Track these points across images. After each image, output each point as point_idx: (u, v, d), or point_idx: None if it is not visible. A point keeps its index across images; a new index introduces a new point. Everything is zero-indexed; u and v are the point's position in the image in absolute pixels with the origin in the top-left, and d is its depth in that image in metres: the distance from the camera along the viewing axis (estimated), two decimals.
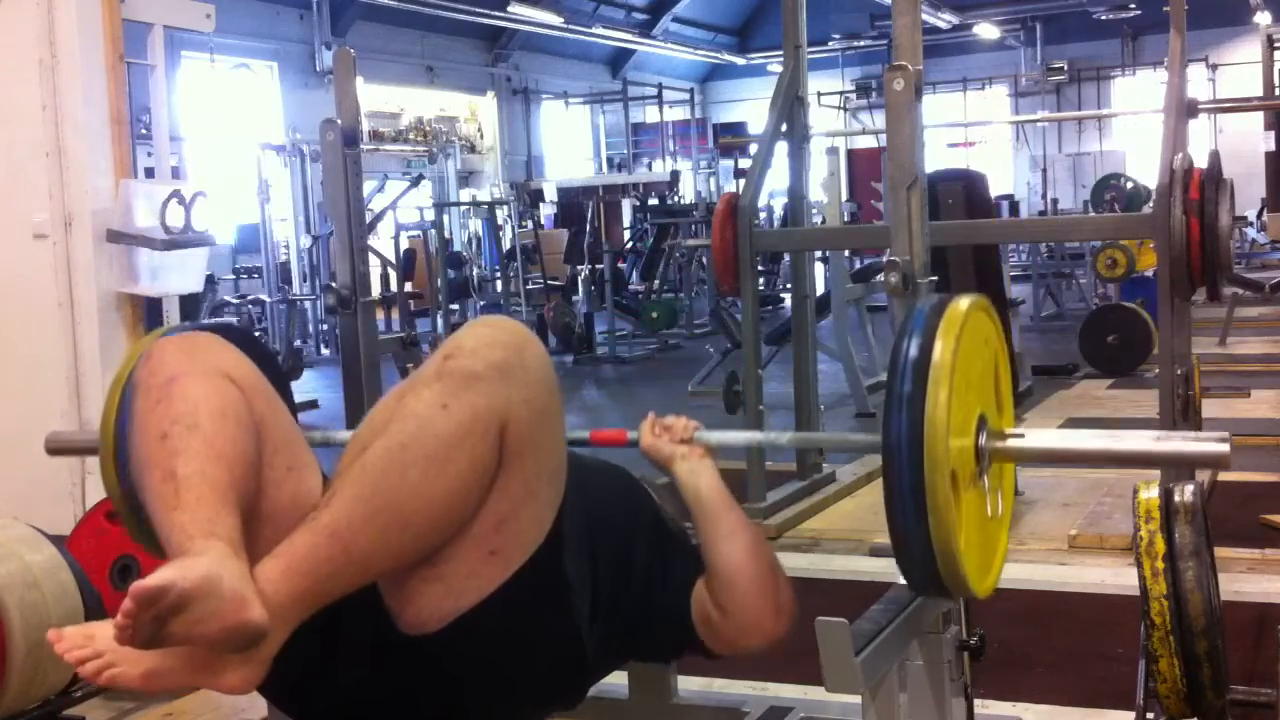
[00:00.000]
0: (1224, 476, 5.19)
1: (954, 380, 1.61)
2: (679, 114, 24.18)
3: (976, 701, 2.22)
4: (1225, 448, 1.66)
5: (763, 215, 15.71)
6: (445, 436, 1.55)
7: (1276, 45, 7.66)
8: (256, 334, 10.47)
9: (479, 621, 1.62)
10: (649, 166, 21.54)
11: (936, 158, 19.23)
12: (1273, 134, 7.35)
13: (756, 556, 1.91)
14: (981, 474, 1.73)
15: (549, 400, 1.65)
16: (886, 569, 3.14)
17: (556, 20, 19.75)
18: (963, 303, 1.70)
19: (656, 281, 14.04)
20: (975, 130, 21.98)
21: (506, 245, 13.70)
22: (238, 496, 1.53)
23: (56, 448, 2.32)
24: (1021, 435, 1.81)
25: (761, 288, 13.07)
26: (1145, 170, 14.64)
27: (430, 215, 12.73)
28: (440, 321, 11.39)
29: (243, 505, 1.54)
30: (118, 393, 1.91)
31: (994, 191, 10.00)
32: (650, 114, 23.62)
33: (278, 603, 1.45)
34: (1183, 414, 3.28)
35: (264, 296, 12.27)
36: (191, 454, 1.52)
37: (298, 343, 12.27)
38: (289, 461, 1.67)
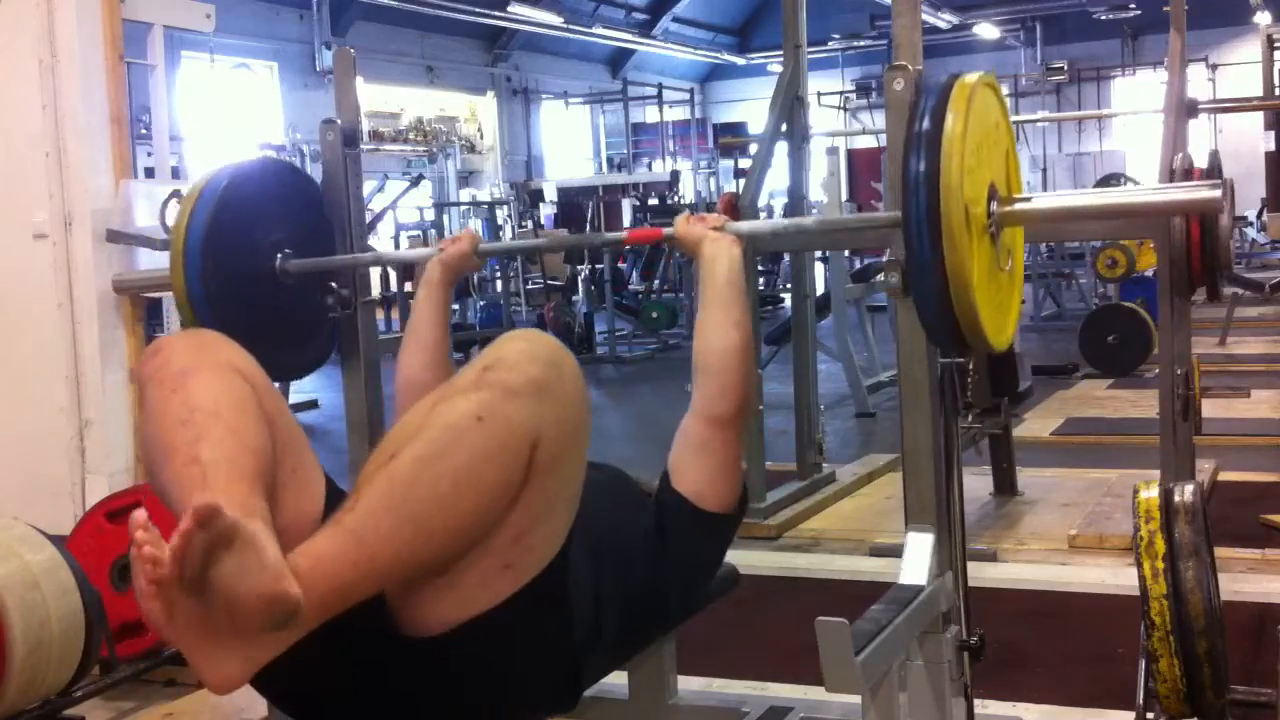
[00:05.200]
0: (1224, 476, 5.19)
1: (969, 122, 1.74)
2: (679, 114, 24.16)
3: (976, 701, 2.22)
4: (1217, 193, 1.82)
5: (763, 215, 15.70)
6: (478, 450, 1.51)
7: (1276, 45, 7.65)
8: None
9: (481, 629, 1.60)
10: (649, 166, 21.54)
11: None
12: (1273, 134, 7.34)
13: (744, 354, 2.05)
14: (992, 227, 1.85)
15: (581, 420, 1.63)
16: (886, 569, 3.13)
17: (556, 20, 19.77)
18: (970, 77, 1.84)
19: (656, 281, 14.05)
20: None
21: None
22: (264, 487, 1.49)
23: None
24: (1029, 199, 1.94)
25: (761, 288, 13.08)
26: (1145, 170, 14.65)
27: (430, 215, 12.75)
28: None
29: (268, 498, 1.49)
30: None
31: None
32: (650, 114, 23.60)
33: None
34: (1182, 414, 3.28)
35: None
36: (216, 440, 1.48)
37: None
38: (294, 463, 1.65)
